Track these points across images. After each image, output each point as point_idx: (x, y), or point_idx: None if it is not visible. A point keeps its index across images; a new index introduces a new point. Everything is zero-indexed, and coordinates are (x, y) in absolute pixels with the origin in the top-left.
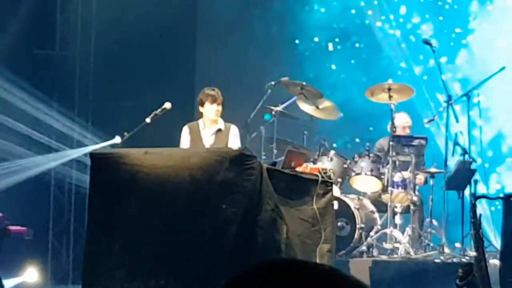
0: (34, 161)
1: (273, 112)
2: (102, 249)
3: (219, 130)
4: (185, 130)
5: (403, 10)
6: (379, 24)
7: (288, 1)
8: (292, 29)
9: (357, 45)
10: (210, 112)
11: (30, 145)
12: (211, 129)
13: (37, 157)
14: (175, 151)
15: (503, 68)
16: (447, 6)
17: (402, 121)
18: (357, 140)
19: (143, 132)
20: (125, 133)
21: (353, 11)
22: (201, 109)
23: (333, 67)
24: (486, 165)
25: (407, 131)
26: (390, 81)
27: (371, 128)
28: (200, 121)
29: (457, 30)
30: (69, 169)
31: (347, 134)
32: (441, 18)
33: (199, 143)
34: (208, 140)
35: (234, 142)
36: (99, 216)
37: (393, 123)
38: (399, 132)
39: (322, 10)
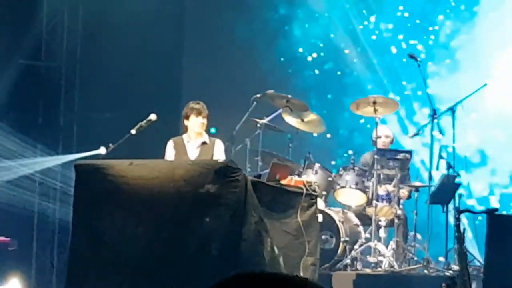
0: (20, 163)
1: (258, 125)
2: (86, 260)
3: (204, 143)
4: (170, 144)
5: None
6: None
7: (274, 15)
8: (278, 42)
9: (346, 51)
10: (195, 125)
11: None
12: (196, 142)
13: (23, 160)
14: (160, 162)
15: (485, 85)
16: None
17: (382, 134)
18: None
19: (128, 143)
20: (110, 144)
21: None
22: (186, 122)
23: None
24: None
25: (387, 144)
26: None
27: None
28: (185, 136)
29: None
30: (54, 180)
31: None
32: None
33: (184, 156)
34: (193, 153)
35: (219, 156)
36: (83, 227)
37: (375, 136)
38: (379, 144)
39: (306, 25)
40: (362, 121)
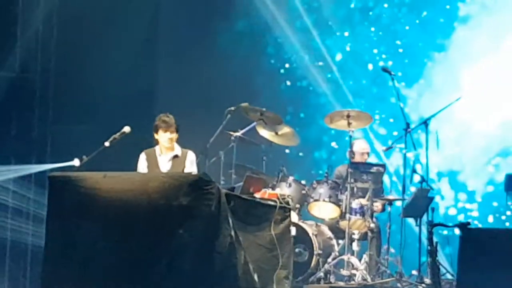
0: None
1: (232, 138)
2: (59, 272)
3: (176, 156)
4: (142, 157)
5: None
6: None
7: (251, 27)
8: (254, 55)
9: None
10: (163, 139)
11: None
12: (167, 155)
13: None
14: (133, 175)
15: (458, 99)
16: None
17: (360, 148)
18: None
19: (102, 155)
20: (84, 157)
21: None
22: (155, 135)
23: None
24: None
25: (365, 157)
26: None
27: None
28: (157, 148)
29: None
30: (28, 190)
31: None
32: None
33: (156, 169)
34: (165, 166)
35: (190, 168)
36: (57, 239)
37: (351, 150)
38: (357, 158)
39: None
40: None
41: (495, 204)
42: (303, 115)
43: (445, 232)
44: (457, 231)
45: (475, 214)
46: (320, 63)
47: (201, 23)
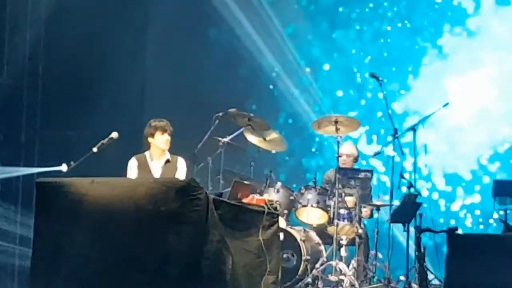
0: None
1: (220, 143)
2: (47, 279)
3: (168, 161)
4: (133, 162)
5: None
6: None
7: (237, 35)
8: (240, 61)
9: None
10: (161, 142)
11: None
12: (159, 161)
13: None
14: (121, 181)
15: (446, 104)
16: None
17: (345, 151)
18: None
19: (89, 161)
20: (72, 162)
21: None
22: (150, 140)
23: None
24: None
25: (349, 162)
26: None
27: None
28: (147, 153)
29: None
30: (14, 214)
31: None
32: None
33: (148, 175)
34: (157, 171)
35: (181, 174)
36: (44, 245)
37: (338, 154)
38: (342, 161)
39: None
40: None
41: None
42: (291, 121)
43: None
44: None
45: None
46: (307, 69)
47: (190, 29)
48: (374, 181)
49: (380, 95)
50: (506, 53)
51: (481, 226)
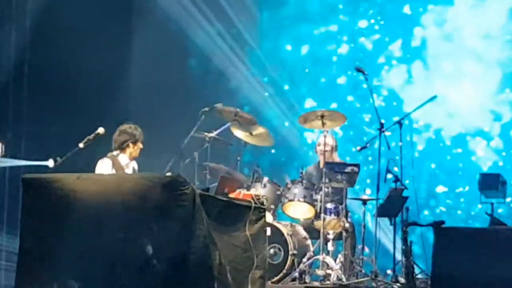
0: None
1: (207, 139)
2: (33, 275)
3: (134, 168)
4: (109, 163)
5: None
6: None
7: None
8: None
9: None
10: (138, 151)
11: None
12: (130, 166)
13: None
14: (107, 176)
15: (434, 97)
16: None
17: (322, 142)
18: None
19: (76, 157)
20: (58, 158)
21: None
22: (131, 145)
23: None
24: None
25: (327, 152)
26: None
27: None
28: (122, 157)
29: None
30: (1, 192)
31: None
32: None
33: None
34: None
35: None
36: (31, 242)
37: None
38: (319, 151)
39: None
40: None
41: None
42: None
43: None
44: None
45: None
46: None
47: (175, 27)
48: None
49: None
50: None
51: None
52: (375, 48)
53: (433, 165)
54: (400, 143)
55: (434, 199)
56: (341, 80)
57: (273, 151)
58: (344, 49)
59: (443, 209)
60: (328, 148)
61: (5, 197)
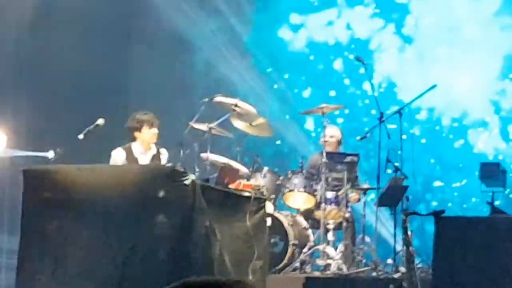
0: None
1: (207, 129)
2: (35, 267)
3: (155, 155)
4: (121, 153)
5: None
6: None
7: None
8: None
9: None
10: (150, 136)
11: None
12: (147, 154)
13: None
14: (108, 168)
15: (434, 86)
16: None
17: (328, 133)
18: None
19: (76, 148)
20: (58, 149)
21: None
22: (137, 134)
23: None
24: None
25: (333, 144)
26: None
27: None
28: (134, 146)
29: None
30: (2, 183)
31: None
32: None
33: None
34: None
35: None
36: (32, 233)
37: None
38: (327, 145)
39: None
40: None
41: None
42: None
43: None
44: None
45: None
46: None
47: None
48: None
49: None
50: None
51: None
52: (370, 34)
53: (432, 160)
54: (404, 136)
55: (430, 193)
56: (338, 66)
57: (278, 142)
58: (340, 35)
59: (435, 203)
60: (333, 139)
61: (5, 196)
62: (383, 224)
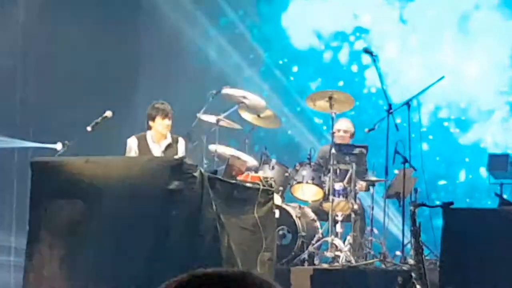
0: None
1: (215, 121)
2: (43, 258)
3: (169, 145)
4: (134, 141)
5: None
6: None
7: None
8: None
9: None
10: (162, 127)
11: None
12: (161, 144)
13: None
14: (116, 160)
15: (442, 78)
16: None
17: (341, 127)
18: None
19: (84, 140)
20: (66, 142)
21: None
22: (151, 123)
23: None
24: None
25: (347, 138)
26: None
27: None
28: (148, 134)
29: None
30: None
31: None
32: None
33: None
34: (157, 154)
35: (181, 155)
36: (40, 225)
37: (334, 130)
38: (337, 137)
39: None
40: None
41: None
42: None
43: None
44: None
45: None
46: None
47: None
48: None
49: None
50: None
51: None
52: (373, 20)
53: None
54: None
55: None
56: (344, 56)
57: (289, 131)
58: (344, 25)
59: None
60: (347, 134)
61: (13, 198)
62: (391, 216)
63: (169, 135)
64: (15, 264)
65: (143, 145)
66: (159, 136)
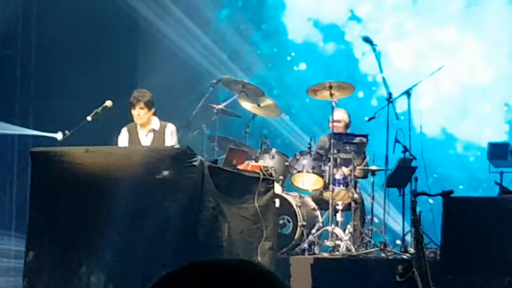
0: None
1: (215, 110)
2: (43, 248)
3: (153, 130)
4: (124, 132)
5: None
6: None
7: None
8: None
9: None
10: (134, 116)
11: None
12: (145, 129)
13: None
14: (116, 149)
15: (441, 68)
16: None
17: (335, 117)
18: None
19: (84, 130)
20: (66, 131)
21: None
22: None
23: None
24: None
25: (340, 128)
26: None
27: None
28: (138, 125)
29: None
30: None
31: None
32: None
33: (137, 144)
34: (144, 140)
35: (170, 140)
36: (40, 214)
37: (332, 120)
38: (333, 127)
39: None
40: None
41: None
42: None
43: None
44: None
45: None
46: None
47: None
48: None
49: None
50: None
51: None
52: (374, 10)
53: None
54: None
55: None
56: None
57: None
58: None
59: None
60: (340, 124)
61: (13, 201)
62: (391, 205)
63: (156, 122)
64: (15, 269)
65: (132, 133)
66: (142, 125)
